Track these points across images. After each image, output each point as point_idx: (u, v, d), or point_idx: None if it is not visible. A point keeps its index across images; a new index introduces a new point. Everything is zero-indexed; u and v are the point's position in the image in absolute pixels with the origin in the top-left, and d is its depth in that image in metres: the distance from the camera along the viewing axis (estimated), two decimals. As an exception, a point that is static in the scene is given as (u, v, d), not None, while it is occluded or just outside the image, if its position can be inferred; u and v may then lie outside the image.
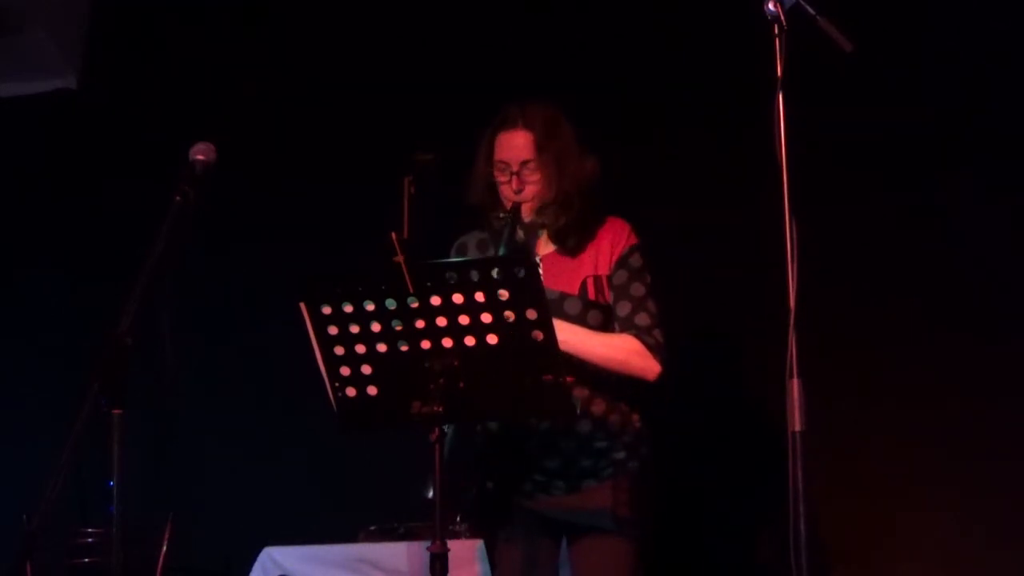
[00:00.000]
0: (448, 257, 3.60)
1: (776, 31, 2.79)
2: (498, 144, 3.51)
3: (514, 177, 3.48)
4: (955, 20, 4.33)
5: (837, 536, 4.19)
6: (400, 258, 2.84)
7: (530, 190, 3.49)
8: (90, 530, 4.42)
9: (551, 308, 3.34)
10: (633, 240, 3.51)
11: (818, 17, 2.82)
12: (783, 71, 2.77)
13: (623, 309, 3.45)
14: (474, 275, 2.85)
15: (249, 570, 4.29)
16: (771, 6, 2.79)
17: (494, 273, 2.85)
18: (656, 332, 3.43)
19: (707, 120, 4.49)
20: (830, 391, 4.18)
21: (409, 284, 2.86)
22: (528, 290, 2.86)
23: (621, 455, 3.44)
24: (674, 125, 4.60)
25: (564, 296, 3.46)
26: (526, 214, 3.51)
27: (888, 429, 4.28)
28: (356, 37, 5.15)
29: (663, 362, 3.41)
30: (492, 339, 2.88)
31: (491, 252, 3.44)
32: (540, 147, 3.47)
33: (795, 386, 2.68)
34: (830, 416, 4.19)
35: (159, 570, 4.07)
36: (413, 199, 3.72)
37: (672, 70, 4.60)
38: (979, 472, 4.18)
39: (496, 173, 3.51)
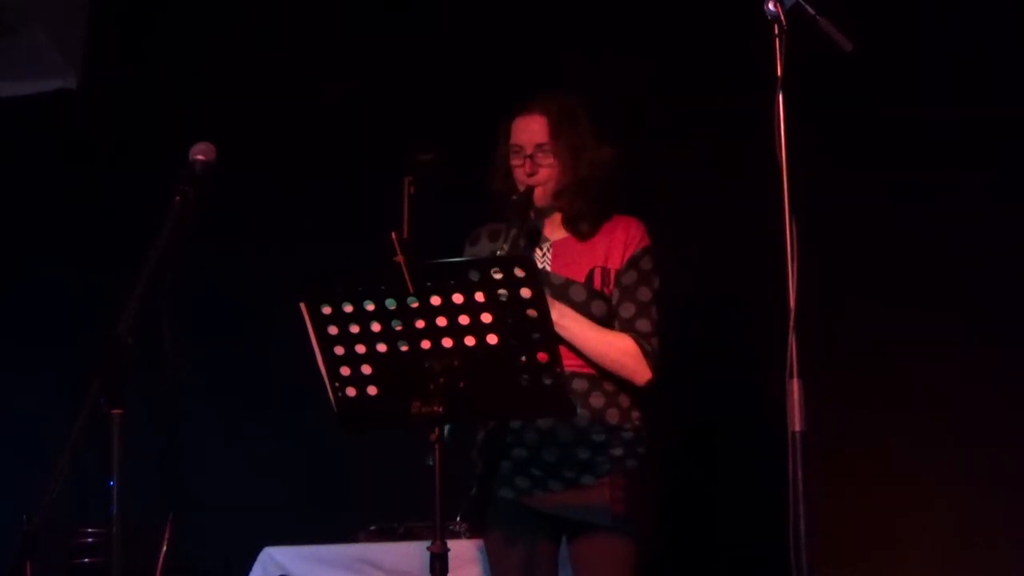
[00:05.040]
0: (459, 251, 3.63)
1: (776, 31, 2.79)
2: (514, 129, 3.57)
3: (527, 160, 3.52)
4: (955, 20, 4.33)
5: (837, 536, 4.19)
6: (400, 258, 2.84)
7: (543, 173, 3.52)
8: (90, 530, 4.42)
9: (556, 293, 3.40)
10: (647, 242, 3.54)
11: (818, 17, 2.82)
12: (783, 71, 2.77)
13: (626, 311, 3.47)
14: (474, 275, 2.85)
15: (249, 570, 4.29)
16: (771, 6, 2.79)
17: (494, 273, 2.85)
18: (654, 340, 3.46)
19: (706, 120, 4.48)
20: (830, 391, 4.20)
21: (409, 284, 2.85)
22: (527, 290, 2.86)
23: (619, 451, 3.44)
24: (673, 125, 4.59)
25: (570, 283, 3.48)
26: (540, 199, 3.53)
27: (888, 429, 4.28)
28: (356, 36, 5.14)
29: (655, 370, 3.44)
30: (492, 339, 2.87)
31: (503, 238, 3.46)
32: (555, 131, 3.51)
33: (795, 386, 2.67)
34: (830, 416, 4.21)
35: (159, 570, 4.06)
36: (413, 199, 3.72)
37: (671, 70, 4.60)
38: (979, 472, 4.18)
39: (512, 158, 3.55)
